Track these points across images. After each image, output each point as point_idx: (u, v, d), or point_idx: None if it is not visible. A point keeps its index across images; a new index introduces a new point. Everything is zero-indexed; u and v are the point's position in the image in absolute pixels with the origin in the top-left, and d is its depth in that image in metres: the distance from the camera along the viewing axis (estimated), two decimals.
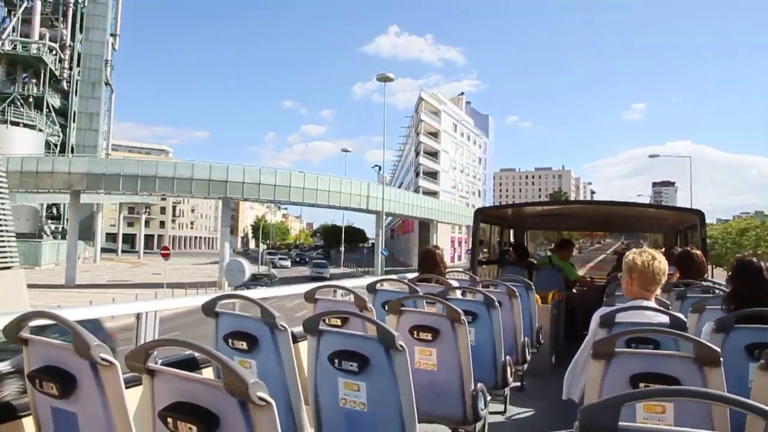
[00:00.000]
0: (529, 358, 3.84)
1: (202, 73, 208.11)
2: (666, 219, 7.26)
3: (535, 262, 6.81)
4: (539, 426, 3.57)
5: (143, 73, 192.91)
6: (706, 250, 4.90)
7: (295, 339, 2.27)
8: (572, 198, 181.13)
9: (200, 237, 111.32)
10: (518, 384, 4.14)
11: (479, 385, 2.54)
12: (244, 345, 2.06)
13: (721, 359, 1.55)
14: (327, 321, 2.31)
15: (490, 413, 3.17)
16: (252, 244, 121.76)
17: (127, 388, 1.32)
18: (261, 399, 1.09)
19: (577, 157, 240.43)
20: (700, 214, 5.48)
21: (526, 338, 3.80)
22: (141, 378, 1.29)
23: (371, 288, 3.46)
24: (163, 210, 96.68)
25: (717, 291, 3.21)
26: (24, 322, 1.46)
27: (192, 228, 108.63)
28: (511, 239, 8.15)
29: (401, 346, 1.83)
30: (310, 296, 2.91)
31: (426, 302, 2.96)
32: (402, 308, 2.56)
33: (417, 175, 63.04)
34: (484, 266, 6.91)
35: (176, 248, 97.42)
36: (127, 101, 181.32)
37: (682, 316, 2.18)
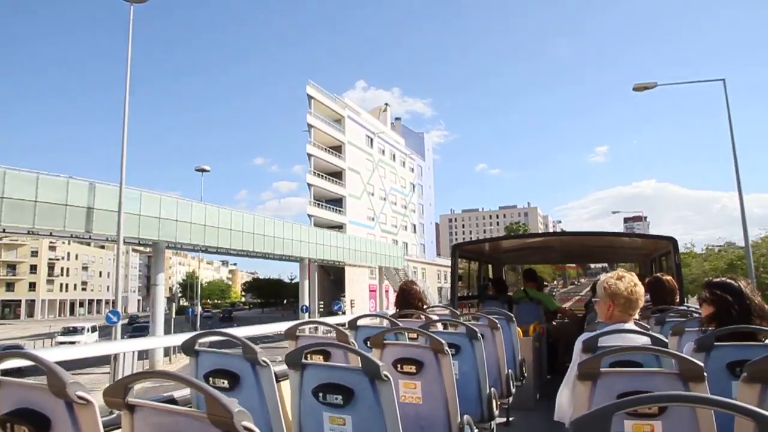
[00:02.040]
0: (513, 390, 3.73)
1: (171, 134, 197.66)
2: (640, 248, 7.33)
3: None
4: None
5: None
6: (680, 276, 5.00)
7: (278, 378, 2.12)
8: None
9: (94, 300, 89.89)
10: (504, 419, 4.16)
11: (465, 417, 2.47)
12: (225, 383, 2.02)
13: (705, 374, 1.55)
14: (310, 358, 2.30)
15: None
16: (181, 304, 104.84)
17: (108, 430, 1.31)
18: (246, 429, 1.04)
19: (547, 200, 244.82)
20: (672, 241, 5.53)
21: (510, 370, 3.72)
22: (120, 419, 1.25)
23: (352, 324, 3.40)
24: (33, 268, 75.85)
25: (694, 315, 3.07)
26: None
27: (84, 290, 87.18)
28: (490, 275, 8.28)
29: (386, 376, 1.80)
30: (291, 333, 2.88)
31: (408, 338, 2.95)
32: (384, 342, 2.53)
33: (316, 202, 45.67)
34: (464, 302, 6.93)
35: (59, 314, 77.90)
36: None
37: (662, 336, 2.17)
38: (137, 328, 47.85)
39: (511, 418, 4.25)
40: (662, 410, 1.54)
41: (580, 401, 1.69)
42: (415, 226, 64.88)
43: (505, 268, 9.13)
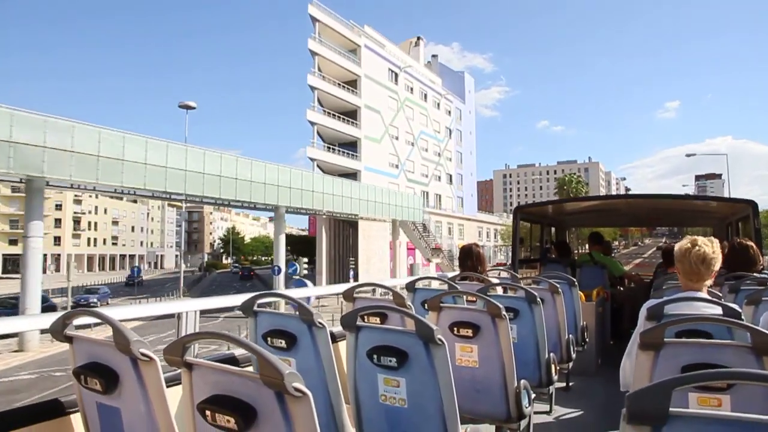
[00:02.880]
0: (574, 356, 3.71)
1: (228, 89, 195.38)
2: (715, 211, 6.92)
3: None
4: (586, 427, 3.50)
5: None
6: (760, 242, 4.71)
7: (335, 339, 2.22)
8: (603, 193, 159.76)
9: (126, 255, 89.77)
10: (564, 384, 4.13)
11: (522, 382, 2.45)
12: (282, 343, 2.06)
13: None
14: (367, 320, 2.37)
15: (536, 413, 3.22)
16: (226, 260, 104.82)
17: (170, 386, 1.34)
18: (297, 390, 1.08)
19: (611, 159, 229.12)
20: (752, 204, 5.22)
21: (570, 335, 3.67)
22: (181, 376, 1.30)
23: (410, 287, 3.41)
24: (57, 222, 75.58)
25: None
26: (68, 320, 1.49)
27: (114, 245, 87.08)
28: (553, 238, 8.08)
29: (440, 340, 1.78)
30: (348, 295, 2.89)
31: (466, 300, 2.94)
32: (441, 305, 2.52)
33: (321, 141, 39.37)
34: (525, 265, 6.79)
35: (87, 269, 77.92)
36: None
37: (736, 306, 2.03)
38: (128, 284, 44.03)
39: (571, 384, 4.20)
40: (731, 385, 1.45)
41: (641, 372, 1.63)
42: (451, 176, 57.36)
43: (569, 232, 9.01)
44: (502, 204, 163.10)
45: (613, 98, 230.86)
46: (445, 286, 3.27)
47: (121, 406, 1.36)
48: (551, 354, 3.02)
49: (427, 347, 1.78)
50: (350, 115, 41.41)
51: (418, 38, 56.19)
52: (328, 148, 40.32)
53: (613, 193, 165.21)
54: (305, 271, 32.04)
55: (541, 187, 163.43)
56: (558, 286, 3.57)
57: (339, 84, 40.05)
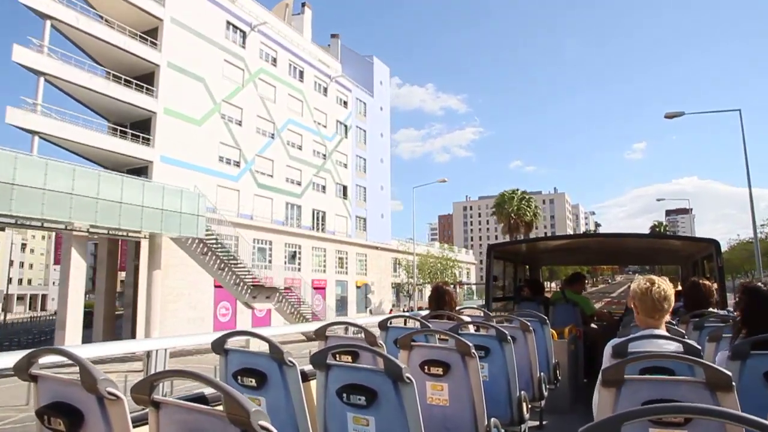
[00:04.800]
0: (546, 393, 3.67)
1: None
2: (681, 250, 7.11)
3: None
4: None
5: None
6: (723, 280, 4.90)
7: (306, 378, 2.21)
8: (570, 227, 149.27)
9: None
10: (537, 422, 4.11)
11: (493, 420, 2.45)
12: (253, 382, 2.03)
13: (733, 383, 1.52)
14: (338, 358, 2.48)
15: None
16: None
17: (136, 426, 1.36)
18: (263, 428, 1.07)
19: (584, 198, 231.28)
20: (714, 244, 5.36)
21: (542, 373, 3.64)
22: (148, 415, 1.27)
23: (383, 325, 3.38)
24: None
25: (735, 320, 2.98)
26: (34, 359, 1.45)
27: None
28: (526, 275, 8.18)
29: (409, 378, 1.79)
30: (320, 333, 2.87)
31: (438, 339, 2.93)
32: (412, 343, 2.50)
33: None
34: (499, 303, 6.92)
35: None
36: None
37: (695, 343, 2.05)
38: None
39: (544, 422, 4.17)
40: (688, 420, 1.44)
41: (603, 408, 1.65)
42: (345, 188, 42.28)
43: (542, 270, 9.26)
44: (462, 238, 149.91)
45: (584, 138, 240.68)
46: (418, 325, 3.38)
47: None
48: (522, 392, 2.99)
49: (395, 386, 1.79)
50: (143, 79, 26.31)
51: (303, 4, 42.08)
52: (115, 130, 25.04)
53: (582, 226, 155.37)
54: None
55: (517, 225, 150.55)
56: (529, 324, 3.55)
57: (128, 32, 25.13)
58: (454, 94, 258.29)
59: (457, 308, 3.99)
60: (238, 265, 24.83)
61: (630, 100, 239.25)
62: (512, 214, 50.20)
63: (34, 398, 1.43)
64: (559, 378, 4.19)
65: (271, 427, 1.08)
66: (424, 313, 4.10)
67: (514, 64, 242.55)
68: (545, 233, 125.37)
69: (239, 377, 2.07)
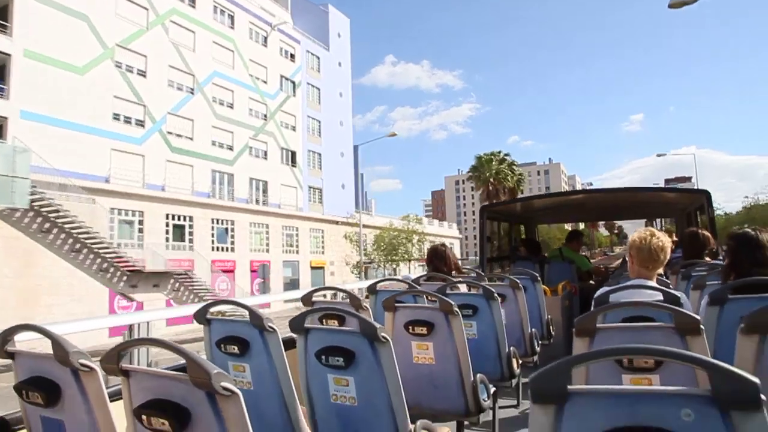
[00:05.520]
0: (538, 349, 3.71)
1: None
2: (674, 202, 7.23)
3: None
4: None
5: None
6: (715, 229, 4.93)
7: (293, 345, 2.19)
8: None
9: None
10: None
11: (479, 376, 2.48)
12: (236, 349, 2.05)
13: (702, 327, 1.55)
14: (325, 323, 2.54)
15: (503, 408, 3.47)
16: None
17: (114, 400, 1.36)
18: (225, 389, 1.11)
19: (582, 172, 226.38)
20: (706, 194, 5.42)
21: (534, 329, 3.67)
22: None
23: (371, 289, 3.43)
24: None
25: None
26: (9, 337, 1.48)
27: None
28: (522, 235, 8.24)
29: (384, 337, 1.81)
30: (307, 299, 2.93)
31: (428, 300, 2.90)
32: (396, 304, 2.53)
33: None
34: (495, 264, 6.88)
35: None
36: None
37: (677, 292, 2.14)
38: None
39: None
40: (659, 364, 1.50)
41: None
42: (293, 154, 36.65)
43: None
44: (455, 213, 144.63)
45: (581, 112, 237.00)
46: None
47: (64, 419, 1.37)
48: (512, 348, 3.05)
49: (372, 345, 1.81)
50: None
51: None
52: None
53: None
54: None
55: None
56: (519, 281, 3.60)
57: None
58: (449, 70, 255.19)
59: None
60: (100, 245, 19.29)
61: (627, 72, 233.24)
62: (491, 179, 44.31)
63: (14, 374, 1.45)
64: (553, 333, 4.25)
65: (234, 388, 1.11)
66: (418, 276, 4.09)
67: (509, 38, 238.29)
68: None
69: (222, 345, 2.08)
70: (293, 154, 36.59)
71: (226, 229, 30.17)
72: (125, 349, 1.29)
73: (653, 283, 2.27)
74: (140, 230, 24.95)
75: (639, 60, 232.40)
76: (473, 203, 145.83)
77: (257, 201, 32.93)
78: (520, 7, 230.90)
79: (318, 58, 40.42)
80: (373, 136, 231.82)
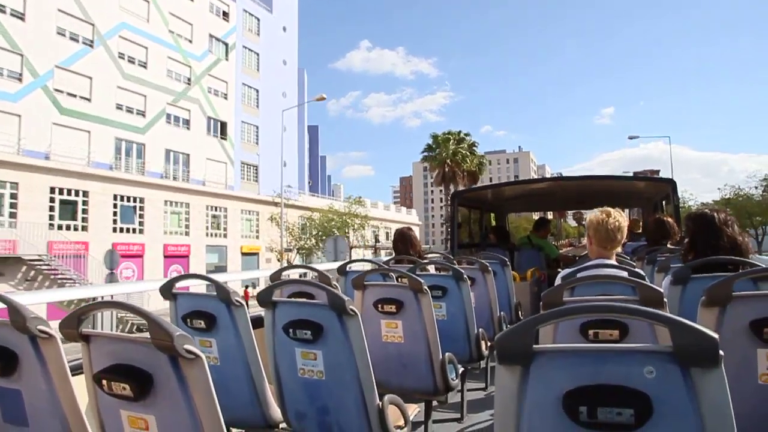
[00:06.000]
0: None
1: None
2: (642, 191, 7.27)
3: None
4: None
5: None
6: (678, 217, 5.00)
7: (261, 324, 2.10)
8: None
9: None
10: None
11: (447, 355, 2.48)
12: (202, 324, 2.03)
13: (665, 300, 1.56)
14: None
15: (471, 390, 3.43)
16: None
17: (75, 374, 1.29)
18: (189, 352, 1.08)
19: (553, 162, 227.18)
20: (671, 183, 5.54)
21: (502, 313, 3.73)
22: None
23: (341, 270, 3.45)
24: None
25: None
26: None
27: None
28: (492, 223, 8.24)
29: (353, 310, 1.80)
30: (275, 277, 2.86)
31: (399, 281, 2.87)
32: (365, 283, 2.53)
33: None
34: (465, 250, 6.77)
35: None
36: None
37: (640, 271, 2.21)
38: None
39: None
40: (623, 335, 1.52)
41: (545, 331, 1.66)
42: (222, 124, 32.51)
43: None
44: (423, 200, 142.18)
45: (554, 105, 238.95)
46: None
47: (21, 388, 1.30)
48: (480, 330, 3.05)
49: (340, 318, 1.80)
50: None
51: None
52: None
53: None
54: None
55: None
56: (489, 265, 3.59)
57: None
58: (424, 57, 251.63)
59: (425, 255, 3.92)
60: None
61: (598, 65, 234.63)
62: (447, 161, 40.80)
63: None
64: (521, 317, 4.24)
65: (197, 351, 1.08)
66: (386, 258, 4.17)
67: (484, 28, 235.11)
68: None
69: (188, 320, 2.05)
70: (223, 125, 32.46)
71: (134, 207, 26.06)
72: (85, 313, 1.24)
73: (613, 262, 2.34)
74: (13, 206, 20.71)
75: (610, 51, 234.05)
76: (441, 190, 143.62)
77: (175, 176, 28.82)
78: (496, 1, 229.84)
79: (258, 19, 36.14)
80: (347, 123, 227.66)
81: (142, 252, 26.02)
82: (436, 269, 3.59)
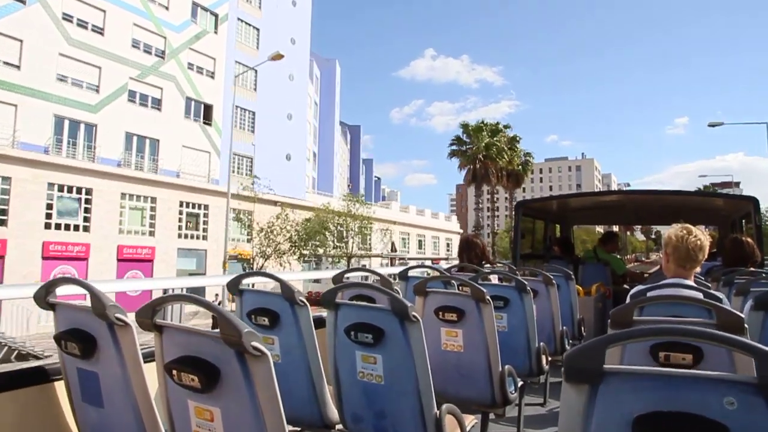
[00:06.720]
0: (568, 348, 3.64)
1: None
2: (719, 209, 6.92)
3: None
4: None
5: None
6: (761, 238, 4.79)
7: (323, 324, 2.14)
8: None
9: None
10: (559, 379, 4.12)
11: (507, 367, 2.42)
12: (266, 321, 2.07)
13: (746, 326, 1.44)
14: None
15: (529, 405, 3.36)
16: None
17: (147, 361, 1.35)
18: (255, 349, 1.11)
19: (621, 172, 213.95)
20: (753, 201, 5.25)
21: (565, 327, 3.60)
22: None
23: (403, 275, 3.42)
24: None
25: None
26: (51, 289, 1.52)
27: None
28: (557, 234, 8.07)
29: (415, 317, 1.79)
30: (337, 279, 2.82)
31: (460, 289, 2.84)
32: (427, 290, 2.49)
33: None
34: (528, 261, 6.66)
35: None
36: None
37: (719, 293, 2.05)
38: None
39: None
40: (697, 361, 1.41)
41: (612, 351, 1.49)
42: (208, 108, 27.52)
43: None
44: (474, 210, 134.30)
45: (622, 114, 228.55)
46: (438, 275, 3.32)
47: (98, 371, 1.39)
48: (541, 344, 2.98)
49: (402, 324, 1.79)
50: None
51: None
52: None
53: None
54: None
55: (524, 189, 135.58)
56: (552, 278, 3.52)
57: None
58: (489, 65, 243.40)
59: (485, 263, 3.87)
60: None
61: (672, 78, 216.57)
62: (479, 155, 33.52)
63: (54, 325, 1.48)
64: (584, 334, 4.20)
65: (264, 348, 1.11)
66: (448, 266, 4.05)
67: (552, 36, 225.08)
68: None
69: (253, 316, 2.09)
70: (207, 107, 27.56)
71: (79, 200, 21.39)
72: (160, 304, 1.29)
73: (691, 283, 2.20)
74: None
75: (687, 65, 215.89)
76: (496, 198, 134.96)
77: (139, 165, 24.03)
78: (564, 10, 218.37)
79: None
80: (411, 131, 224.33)
81: (86, 254, 21.27)
82: (499, 279, 3.34)
